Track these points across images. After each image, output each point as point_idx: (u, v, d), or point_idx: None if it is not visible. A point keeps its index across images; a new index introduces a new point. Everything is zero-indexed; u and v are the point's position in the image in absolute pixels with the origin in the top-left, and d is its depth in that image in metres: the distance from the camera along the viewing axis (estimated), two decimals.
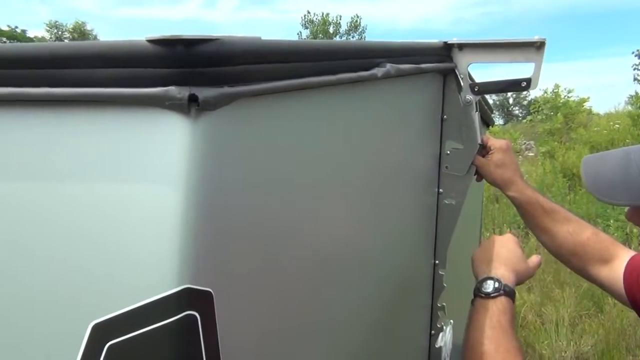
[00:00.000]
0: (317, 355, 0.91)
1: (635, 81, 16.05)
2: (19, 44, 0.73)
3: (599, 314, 5.13)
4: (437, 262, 1.47)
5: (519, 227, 7.95)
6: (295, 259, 0.82)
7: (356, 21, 29.61)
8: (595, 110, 16.42)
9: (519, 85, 1.39)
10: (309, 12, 29.68)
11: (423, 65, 1.23)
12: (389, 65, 1.03)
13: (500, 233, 7.79)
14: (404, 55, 1.17)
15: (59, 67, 0.67)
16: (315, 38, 28.94)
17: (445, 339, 1.53)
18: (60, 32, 29.08)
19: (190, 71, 0.64)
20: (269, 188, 0.74)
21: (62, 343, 0.71)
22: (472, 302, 1.13)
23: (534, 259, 1.27)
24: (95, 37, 28.54)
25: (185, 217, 0.65)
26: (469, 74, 1.42)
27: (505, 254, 1.19)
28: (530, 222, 1.41)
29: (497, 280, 1.11)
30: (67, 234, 0.69)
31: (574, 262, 1.38)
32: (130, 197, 0.66)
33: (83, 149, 0.67)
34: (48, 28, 29.24)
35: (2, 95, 0.68)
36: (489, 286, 1.10)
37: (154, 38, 0.63)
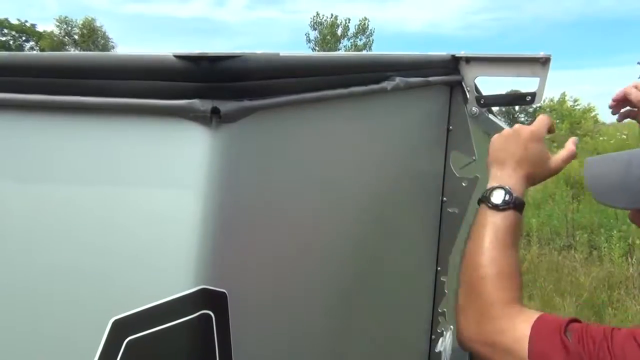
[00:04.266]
0: (322, 355, 0.95)
1: None
2: (56, 53, 0.77)
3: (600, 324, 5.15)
4: (439, 268, 1.51)
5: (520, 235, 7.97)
6: (304, 263, 0.86)
7: (364, 24, 29.66)
8: (601, 119, 16.43)
9: (523, 99, 1.42)
10: (317, 14, 29.76)
11: (431, 78, 1.27)
12: (398, 79, 1.07)
13: None
14: (413, 69, 1.21)
15: (87, 78, 0.72)
16: (323, 40, 29.01)
17: (445, 344, 1.56)
18: (69, 28, 29.23)
19: (213, 85, 0.68)
20: (282, 196, 0.78)
21: (83, 337, 0.75)
22: (478, 203, 1.07)
23: (563, 153, 1.17)
24: (104, 34, 28.68)
25: (204, 222, 0.69)
26: (475, 86, 1.46)
27: (523, 154, 1.10)
28: None
29: (508, 192, 1.03)
30: (93, 235, 0.73)
31: None
32: (153, 202, 0.71)
33: (109, 155, 0.72)
34: (58, 23, 29.42)
35: (36, 102, 0.72)
36: (499, 197, 1.03)
37: (181, 54, 0.67)
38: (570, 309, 5.44)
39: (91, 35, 28.34)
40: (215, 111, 0.67)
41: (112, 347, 0.73)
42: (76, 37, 28.88)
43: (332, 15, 29.51)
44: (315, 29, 29.98)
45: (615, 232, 7.18)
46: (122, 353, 0.73)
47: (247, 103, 0.70)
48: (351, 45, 29.31)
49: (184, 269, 0.70)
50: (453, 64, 1.43)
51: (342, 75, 0.89)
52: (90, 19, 28.90)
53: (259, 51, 0.73)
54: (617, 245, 6.80)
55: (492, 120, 1.46)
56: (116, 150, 0.71)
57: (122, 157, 0.71)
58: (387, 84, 1.04)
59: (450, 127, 1.48)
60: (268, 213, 0.76)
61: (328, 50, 27.66)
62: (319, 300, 0.92)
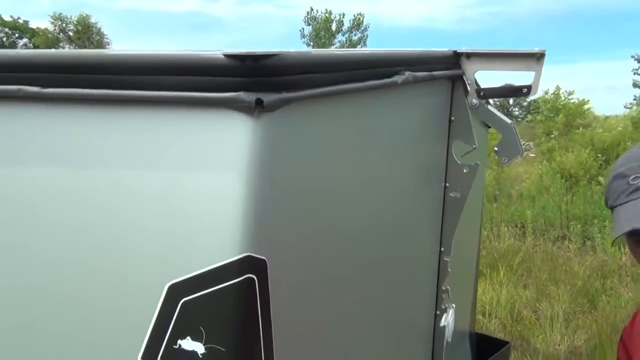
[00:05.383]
0: (346, 319, 1.07)
1: (636, 86, 16.18)
2: (122, 53, 0.88)
3: (593, 311, 5.28)
4: (442, 249, 1.62)
5: (516, 226, 8.10)
6: (331, 236, 0.98)
7: (359, 19, 29.71)
8: (596, 112, 16.62)
9: (520, 92, 1.54)
10: (312, 9, 29.80)
11: (435, 73, 1.39)
12: (407, 73, 1.19)
13: (498, 231, 7.87)
14: (419, 64, 1.32)
15: (145, 74, 0.83)
16: (317, 35, 29.04)
17: (448, 319, 1.68)
18: (64, 25, 29.18)
19: (256, 80, 0.79)
20: (314, 175, 0.90)
21: (143, 300, 0.86)
22: None
23: None
24: (99, 30, 28.63)
25: (248, 199, 0.81)
26: (475, 80, 1.57)
27: None
28: None
29: None
30: (153, 211, 0.85)
31: None
32: (205, 181, 0.82)
33: (166, 141, 0.83)
34: (52, 20, 29.35)
35: (97, 96, 0.83)
36: None
37: (229, 53, 0.78)
38: (564, 297, 5.57)
39: (86, 32, 28.29)
40: (258, 102, 0.78)
41: (169, 307, 0.85)
42: (71, 33, 28.84)
43: (326, 10, 29.60)
44: (309, 25, 30.02)
45: (608, 222, 7.31)
46: (178, 312, 0.84)
47: (284, 95, 0.81)
48: (346, 40, 29.38)
49: (232, 238, 0.81)
50: (455, 59, 1.54)
51: (361, 70, 1.00)
52: (85, 15, 28.88)
53: (292, 49, 0.84)
54: (610, 235, 6.94)
55: (491, 111, 1.58)
56: (172, 138, 0.83)
57: (177, 143, 0.83)
58: (398, 78, 1.15)
59: (452, 118, 1.60)
60: (302, 191, 0.88)
61: (322, 46, 27.71)
62: (344, 269, 1.04)
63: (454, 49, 1.54)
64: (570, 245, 7.17)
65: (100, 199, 0.88)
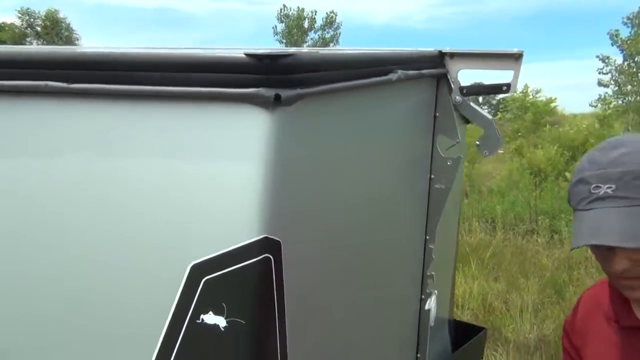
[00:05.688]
0: (347, 298, 1.16)
1: (600, 85, 16.67)
2: (152, 52, 0.95)
3: (560, 301, 5.49)
4: (427, 237, 1.73)
5: (486, 221, 8.32)
6: (337, 223, 1.07)
7: (332, 17, 29.83)
8: (562, 110, 17.08)
9: (500, 89, 1.65)
10: (284, 7, 29.81)
11: (423, 71, 1.49)
12: (400, 71, 1.28)
13: (470, 226, 8.02)
14: (409, 63, 1.42)
15: (173, 71, 0.90)
16: (290, 32, 29.06)
17: (431, 304, 1.79)
18: (32, 20, 28.55)
19: (274, 77, 0.88)
20: (325, 164, 0.99)
21: (167, 279, 0.94)
22: None
23: None
24: (68, 26, 28.11)
25: (266, 185, 0.89)
26: (458, 78, 1.67)
27: None
28: None
29: None
30: (179, 197, 0.92)
31: None
32: (226, 169, 0.90)
33: (192, 133, 0.91)
34: (20, 15, 28.69)
35: (132, 92, 0.91)
36: None
37: (250, 52, 0.86)
38: (533, 289, 5.77)
39: (54, 27, 27.75)
40: (277, 97, 0.87)
41: (192, 285, 0.92)
42: (39, 29, 28.26)
43: (298, 8, 29.65)
44: (282, 22, 30.02)
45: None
46: (201, 289, 0.92)
47: (299, 91, 0.89)
48: (319, 38, 29.48)
49: (250, 221, 0.89)
50: (440, 59, 1.64)
51: (362, 68, 1.09)
52: (53, 10, 28.30)
53: (304, 49, 0.93)
54: None
55: (473, 107, 1.68)
56: (198, 129, 0.91)
57: (203, 134, 0.90)
58: (393, 76, 1.24)
59: (437, 114, 1.70)
60: (312, 178, 0.97)
61: (295, 44, 27.73)
62: (346, 252, 1.13)
63: (439, 48, 1.64)
64: (538, 239, 7.42)
65: (133, 186, 0.95)
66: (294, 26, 29.45)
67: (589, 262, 6.28)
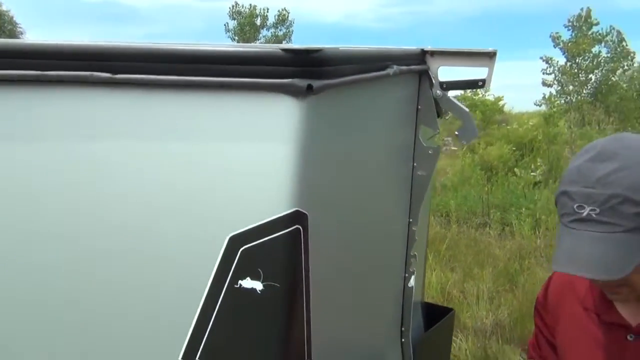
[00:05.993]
0: (355, 271, 1.30)
1: (544, 85, 17.41)
2: (193, 47, 1.05)
3: (514, 289, 5.80)
4: (410, 220, 1.88)
5: (441, 215, 8.62)
6: (351, 201, 1.21)
7: (284, 14, 29.86)
8: (510, 109, 17.76)
9: (476, 84, 1.81)
10: (237, 4, 29.64)
11: (411, 67, 1.63)
12: (395, 67, 1.42)
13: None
14: (399, 59, 1.56)
15: (215, 63, 1.01)
16: (242, 30, 28.92)
17: (413, 282, 1.94)
18: None
19: (306, 69, 1.00)
20: (347, 146, 1.12)
21: (208, 250, 1.05)
22: None
23: None
24: (12, 19, 27.08)
25: (298, 164, 1.02)
26: (438, 74, 1.83)
27: None
28: None
29: None
30: (220, 176, 1.04)
31: None
32: (264, 150, 1.02)
33: (233, 118, 1.03)
34: None
35: (177, 81, 1.01)
36: None
37: (285, 47, 0.98)
38: (488, 278, 6.05)
39: None
40: (309, 87, 0.99)
41: (230, 255, 1.04)
42: None
43: (250, 5, 29.55)
44: (234, 19, 29.85)
45: (524, 209, 7.96)
46: (238, 258, 1.03)
47: (327, 81, 1.02)
48: (272, 35, 29.47)
49: (285, 196, 1.02)
50: (421, 56, 1.80)
51: (369, 63, 1.23)
52: None
53: (326, 45, 1.06)
54: (526, 221, 7.57)
55: (452, 100, 1.84)
56: (238, 115, 1.02)
57: (243, 120, 1.02)
58: (390, 70, 1.38)
59: (419, 107, 1.85)
60: (334, 160, 1.10)
61: (247, 41, 27.62)
62: (356, 227, 1.27)
63: (421, 47, 1.80)
64: (491, 232, 7.76)
65: (183, 167, 1.06)
66: (246, 23, 29.33)
67: (538, 252, 6.64)
